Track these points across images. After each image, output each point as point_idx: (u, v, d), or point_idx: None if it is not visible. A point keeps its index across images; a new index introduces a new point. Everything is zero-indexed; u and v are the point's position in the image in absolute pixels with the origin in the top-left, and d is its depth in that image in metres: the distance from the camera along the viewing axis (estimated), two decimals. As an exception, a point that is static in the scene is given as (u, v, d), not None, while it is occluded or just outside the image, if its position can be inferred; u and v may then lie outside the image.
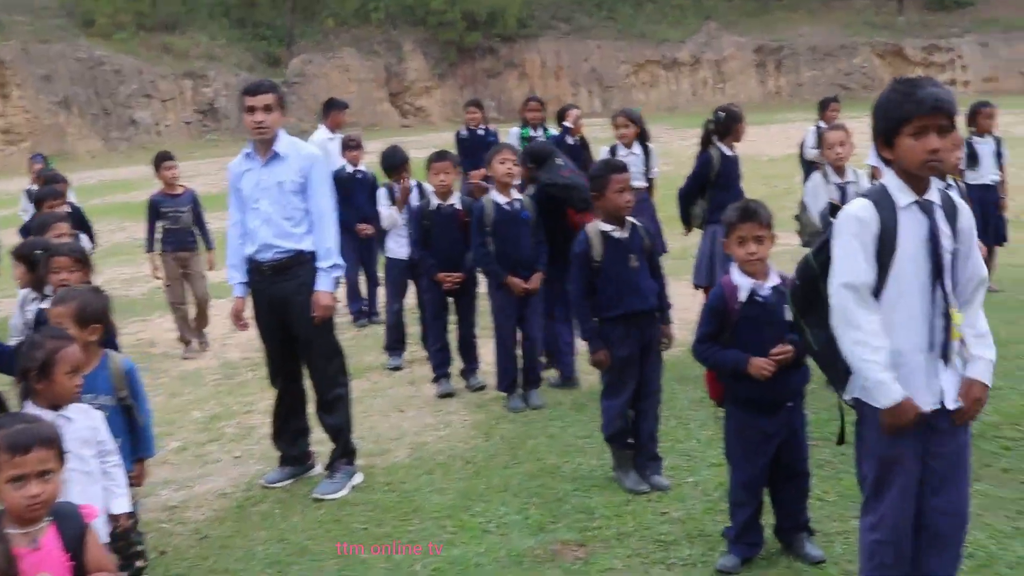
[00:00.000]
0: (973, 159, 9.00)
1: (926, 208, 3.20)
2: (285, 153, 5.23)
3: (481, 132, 11.29)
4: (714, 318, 4.12)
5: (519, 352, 6.59)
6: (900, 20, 39.53)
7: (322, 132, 10.24)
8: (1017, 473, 5.11)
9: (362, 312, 9.31)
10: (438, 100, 39.18)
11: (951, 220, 3.24)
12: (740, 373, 4.03)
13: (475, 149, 10.92)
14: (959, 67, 37.65)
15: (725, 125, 7.31)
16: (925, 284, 3.19)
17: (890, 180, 3.23)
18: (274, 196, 5.19)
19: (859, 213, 3.20)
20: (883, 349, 3.16)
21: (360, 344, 8.57)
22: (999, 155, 9.06)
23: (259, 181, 5.23)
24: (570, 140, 9.50)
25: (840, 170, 6.48)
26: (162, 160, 9.01)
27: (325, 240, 5.23)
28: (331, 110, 10.36)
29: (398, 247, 7.75)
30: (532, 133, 10.40)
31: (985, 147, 9.00)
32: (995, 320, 6.56)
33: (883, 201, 3.20)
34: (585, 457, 5.49)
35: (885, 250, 3.17)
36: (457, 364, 7.14)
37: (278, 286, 5.24)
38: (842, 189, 6.35)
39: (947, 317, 3.21)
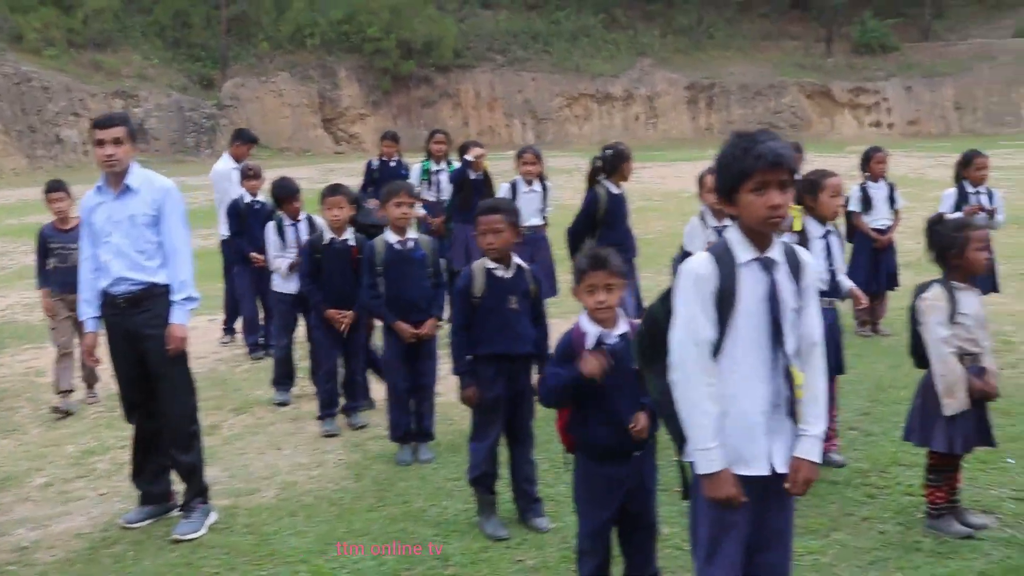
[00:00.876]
0: (867, 203, 9.16)
1: (767, 265, 3.16)
2: (137, 186, 5.15)
3: (393, 164, 11.24)
4: (562, 364, 4.11)
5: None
6: (828, 62, 40.35)
7: (225, 161, 10.13)
8: (876, 522, 5.15)
9: (258, 345, 9.18)
10: (372, 127, 38.99)
11: (794, 277, 3.21)
12: (581, 386, 3.97)
13: (385, 181, 10.87)
14: (884, 109, 38.52)
15: (612, 163, 7.33)
16: (765, 342, 3.15)
17: (732, 235, 3.19)
18: (126, 229, 5.12)
19: (698, 268, 3.16)
20: (712, 415, 3.12)
21: (253, 377, 8.46)
22: (892, 200, 9.22)
23: (111, 215, 5.15)
24: (472, 175, 9.49)
25: (719, 213, 6.44)
26: (50, 191, 7.95)
27: (179, 273, 5.17)
28: (236, 141, 10.23)
29: (285, 281, 7.66)
30: (434, 167, 10.39)
31: (878, 192, 9.16)
32: (880, 365, 6.62)
33: (724, 256, 3.15)
34: (452, 501, 5.44)
35: (724, 307, 3.12)
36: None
37: (132, 319, 5.15)
38: (720, 233, 6.37)
39: (790, 376, 3.18)
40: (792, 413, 3.19)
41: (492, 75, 39.72)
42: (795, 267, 3.22)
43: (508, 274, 5.07)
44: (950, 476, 5.03)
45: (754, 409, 3.15)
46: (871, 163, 9.19)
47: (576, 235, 7.41)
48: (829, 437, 5.94)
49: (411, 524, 5.14)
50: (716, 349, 3.14)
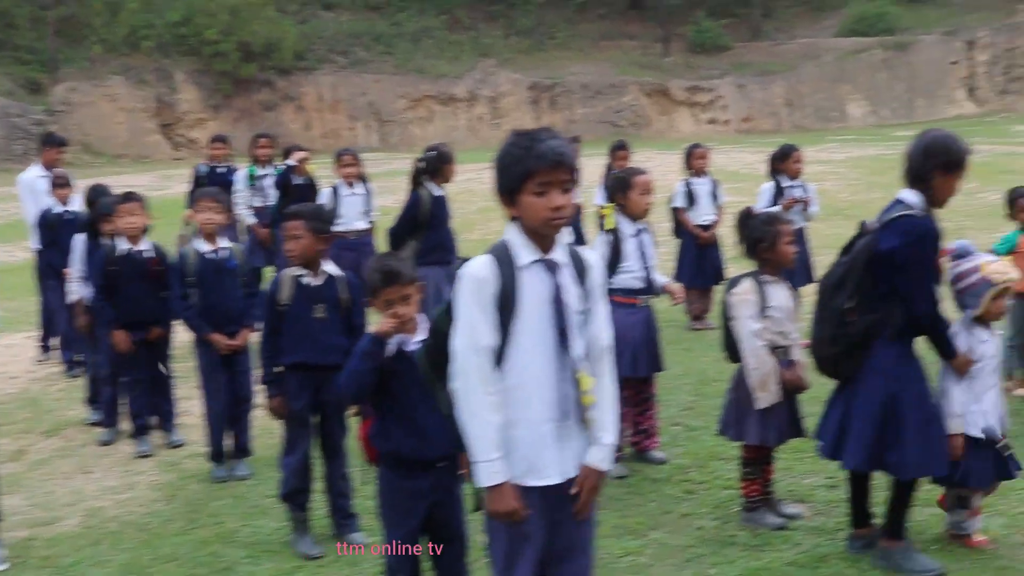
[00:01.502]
0: (691, 200, 9.32)
1: (550, 267, 3.06)
2: None
3: (222, 169, 10.89)
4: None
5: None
6: (666, 61, 41.27)
7: (34, 170, 9.64)
8: (694, 518, 5.22)
9: (74, 362, 8.76)
10: (212, 132, 37.45)
11: (580, 279, 3.12)
12: (383, 384, 3.86)
13: (215, 186, 10.54)
14: (720, 107, 39.60)
15: (435, 165, 7.28)
16: (550, 347, 3.05)
17: (513, 236, 3.09)
18: None
19: (477, 272, 3.03)
20: (494, 425, 3.01)
21: (68, 396, 8.08)
22: (715, 196, 9.42)
23: None
24: (296, 180, 9.28)
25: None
26: None
27: None
28: (45, 146, 9.73)
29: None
30: (260, 171, 10.14)
31: (702, 188, 9.34)
32: (706, 359, 6.63)
33: (504, 258, 3.04)
34: (267, 519, 5.28)
35: (506, 311, 3.02)
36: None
37: None
38: None
39: (577, 382, 3.09)
40: (583, 420, 3.11)
41: (334, 77, 39.18)
42: (580, 269, 3.14)
43: (316, 282, 4.94)
44: (765, 468, 5.12)
45: (542, 417, 3.06)
46: (692, 159, 9.37)
47: (397, 236, 7.34)
48: (651, 434, 5.99)
49: (222, 546, 4.96)
50: (500, 356, 3.04)
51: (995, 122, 35.68)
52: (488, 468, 3.02)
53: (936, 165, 4.24)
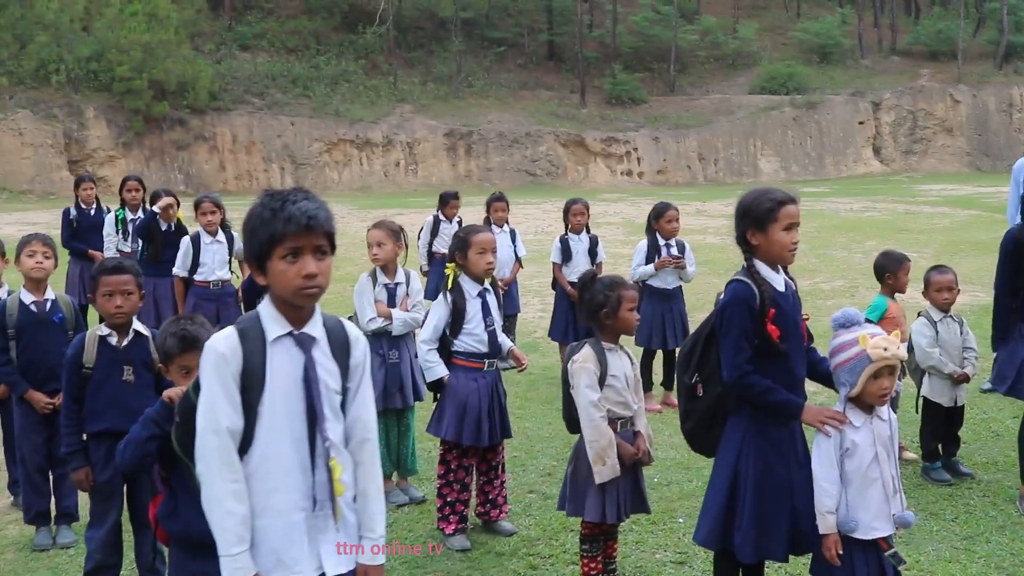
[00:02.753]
0: (567, 255, 9.24)
1: (302, 341, 2.81)
2: None
3: (92, 212, 10.57)
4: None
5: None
6: (582, 112, 41.72)
7: None
8: (533, 596, 5.05)
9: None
10: (122, 170, 37.03)
11: (341, 356, 2.89)
12: (162, 422, 3.59)
13: (84, 229, 10.28)
14: (635, 159, 40.11)
15: None
16: (300, 431, 2.79)
17: (264, 308, 2.85)
18: None
19: (219, 346, 2.77)
20: (237, 515, 2.75)
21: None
22: (593, 252, 9.33)
23: None
24: (163, 226, 9.03)
25: (388, 270, 6.18)
26: None
27: None
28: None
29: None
30: (130, 216, 9.88)
31: (579, 244, 9.24)
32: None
33: (251, 332, 2.79)
34: (82, 593, 4.98)
35: (251, 390, 2.76)
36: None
37: None
38: (390, 290, 6.19)
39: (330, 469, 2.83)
40: (334, 514, 2.86)
41: (250, 118, 38.83)
42: (340, 344, 2.90)
43: (122, 342, 4.66)
44: (607, 545, 4.92)
45: (291, 507, 2.81)
46: (570, 215, 9.27)
47: (249, 291, 7.10)
48: (498, 504, 5.81)
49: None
50: (245, 439, 2.79)
51: (900, 181, 36.70)
52: (231, 564, 2.75)
53: (747, 225, 3.96)
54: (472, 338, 5.48)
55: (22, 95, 36.47)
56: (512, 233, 9.92)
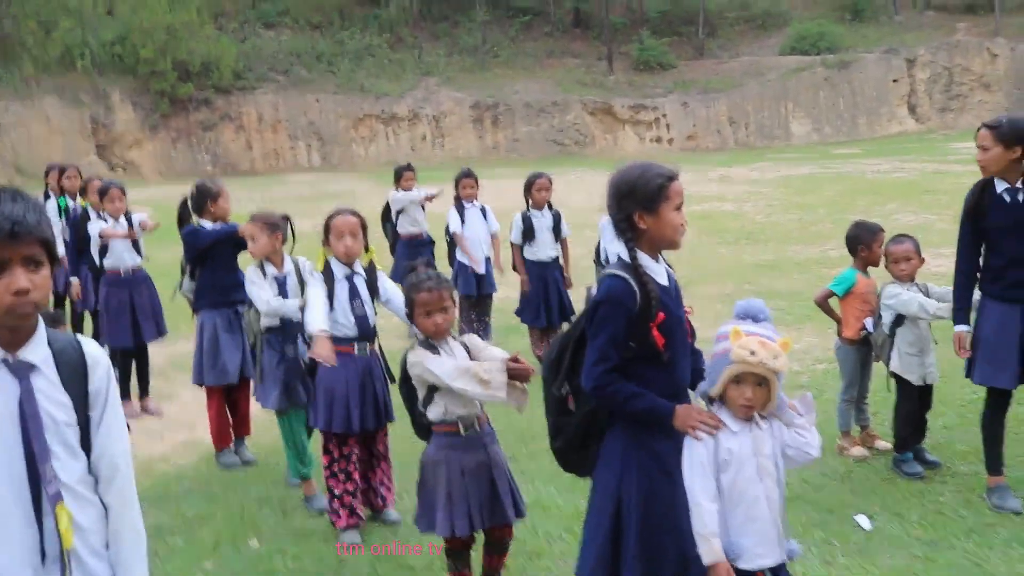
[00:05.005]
0: (529, 234, 8.85)
1: (17, 370, 2.36)
2: None
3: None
4: None
5: None
6: (610, 79, 41.16)
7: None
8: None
9: None
10: (150, 153, 37.48)
11: (75, 382, 2.44)
12: None
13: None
14: (664, 125, 39.51)
15: (197, 202, 6.74)
16: (20, 474, 2.34)
17: None
18: None
19: None
20: None
21: None
22: (557, 229, 8.96)
23: None
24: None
25: (274, 261, 5.94)
26: None
27: None
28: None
29: None
30: (71, 203, 9.69)
31: (541, 221, 8.86)
32: (539, 411, 5.63)
33: None
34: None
35: None
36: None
37: None
38: (280, 281, 5.96)
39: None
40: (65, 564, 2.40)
41: (275, 96, 38.76)
42: (73, 369, 2.45)
43: None
44: (490, 558, 4.58)
45: (16, 563, 2.35)
46: (532, 190, 8.86)
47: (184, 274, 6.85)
48: (379, 492, 5.56)
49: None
50: None
51: (935, 139, 35.80)
52: None
53: (633, 206, 3.37)
54: (340, 322, 5.28)
55: (48, 81, 36.62)
56: (483, 210, 9.58)
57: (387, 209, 10.40)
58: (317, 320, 5.15)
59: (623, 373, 3.36)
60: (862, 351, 6.14)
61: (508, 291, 10.16)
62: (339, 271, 5.36)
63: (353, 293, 5.33)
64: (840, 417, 6.32)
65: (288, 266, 5.97)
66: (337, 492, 5.33)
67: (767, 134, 39.38)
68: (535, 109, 39.42)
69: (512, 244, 8.93)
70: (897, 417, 5.88)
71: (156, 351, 8.60)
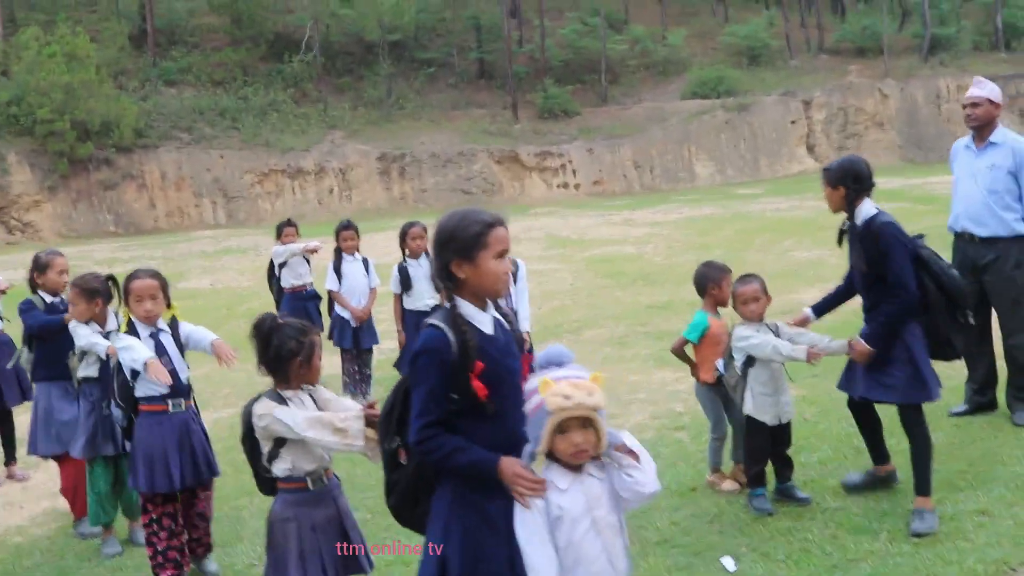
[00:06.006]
0: (407, 283, 8.82)
1: None
2: None
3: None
4: None
5: None
6: (515, 128, 41.51)
7: None
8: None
9: None
10: (49, 214, 36.65)
11: None
12: None
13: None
14: (570, 171, 39.91)
15: (30, 274, 6.68)
16: None
17: None
18: None
19: None
20: None
21: None
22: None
23: None
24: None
25: (98, 322, 5.89)
26: None
27: None
28: None
29: None
30: None
31: (418, 270, 8.82)
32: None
33: None
34: None
35: None
36: None
37: None
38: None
39: None
40: None
41: (178, 154, 38.24)
42: None
43: None
44: None
45: None
46: (408, 240, 8.88)
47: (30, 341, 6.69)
48: (204, 543, 5.55)
49: None
50: None
51: (833, 178, 36.66)
52: None
53: (451, 255, 3.27)
54: (150, 382, 5.19)
55: (-58, 144, 35.73)
56: (365, 262, 9.54)
57: (271, 265, 10.27)
58: (142, 350, 5.13)
59: (451, 427, 3.24)
60: (721, 390, 6.14)
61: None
62: (143, 331, 5.33)
63: (160, 350, 5.28)
64: (710, 455, 6.31)
65: (112, 325, 5.90)
66: (160, 548, 5.28)
67: (672, 177, 40.00)
68: (442, 160, 39.53)
69: (395, 294, 8.90)
70: (746, 455, 5.88)
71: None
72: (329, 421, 4.02)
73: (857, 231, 5.49)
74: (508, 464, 3.16)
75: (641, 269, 17.05)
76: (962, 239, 7.23)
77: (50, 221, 36.46)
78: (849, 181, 5.50)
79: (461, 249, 3.27)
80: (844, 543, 5.19)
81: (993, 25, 45.46)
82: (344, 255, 9.42)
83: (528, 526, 3.12)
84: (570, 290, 15.45)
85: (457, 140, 40.44)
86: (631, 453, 3.18)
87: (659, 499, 5.99)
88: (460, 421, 3.25)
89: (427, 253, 8.82)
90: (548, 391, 3.06)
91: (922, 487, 5.41)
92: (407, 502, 3.47)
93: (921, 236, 5.64)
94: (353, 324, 9.25)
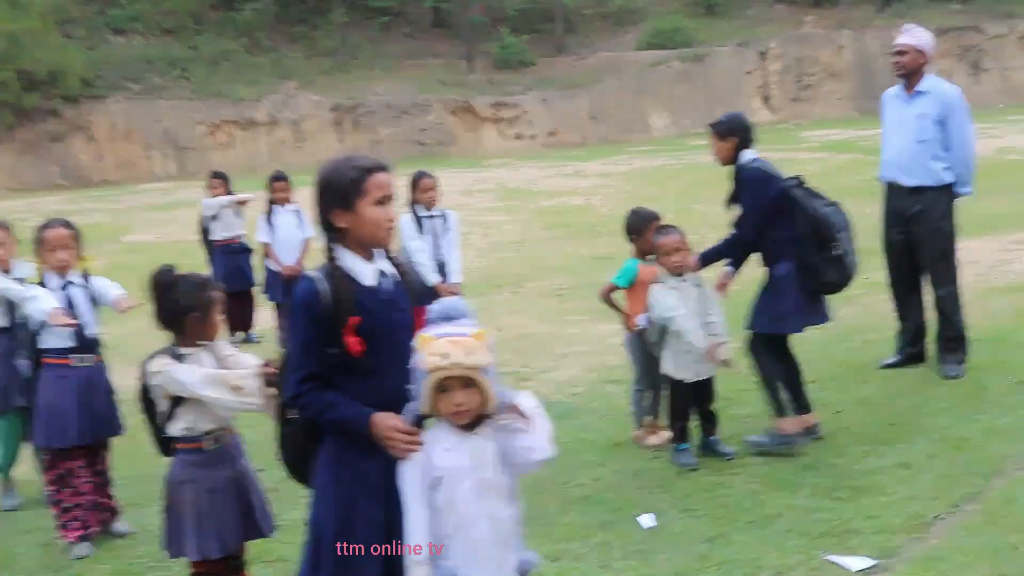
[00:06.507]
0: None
1: None
2: None
3: None
4: None
5: None
6: (470, 78, 41.10)
7: None
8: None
9: None
10: (-6, 165, 35.93)
11: None
12: None
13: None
14: (526, 122, 39.59)
15: None
16: None
17: None
18: None
19: None
20: None
21: None
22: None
23: None
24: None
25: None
26: None
27: None
28: None
29: None
30: None
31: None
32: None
33: None
34: None
35: None
36: None
37: None
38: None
39: None
40: None
41: (127, 104, 37.49)
42: None
43: None
44: None
45: None
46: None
47: None
48: (109, 506, 5.39)
49: None
50: None
51: (788, 129, 36.75)
52: None
53: (330, 204, 3.14)
54: (56, 333, 5.13)
55: None
56: (297, 212, 9.35)
57: (201, 218, 10.09)
58: (48, 300, 5.04)
59: (330, 383, 3.14)
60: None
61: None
62: (53, 283, 5.22)
63: (69, 304, 5.16)
64: (634, 407, 6.24)
65: (19, 273, 5.65)
66: (65, 505, 5.17)
67: (627, 128, 39.80)
68: (396, 110, 39.06)
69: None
70: (669, 409, 5.85)
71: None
72: (226, 379, 3.92)
73: (737, 176, 6.02)
74: (382, 419, 3.05)
75: (587, 220, 16.98)
76: (891, 189, 7.21)
77: (-3, 173, 35.77)
78: (739, 132, 6.01)
79: (338, 197, 3.14)
80: (764, 498, 5.19)
81: (948, -25, 45.47)
82: (275, 206, 9.26)
83: (407, 480, 3.02)
84: (515, 242, 15.38)
85: (412, 90, 39.95)
86: (523, 416, 3.09)
87: (584, 454, 5.99)
88: (339, 377, 3.13)
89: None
90: (426, 348, 2.94)
91: (775, 410, 5.95)
92: (297, 457, 3.34)
93: (796, 177, 6.01)
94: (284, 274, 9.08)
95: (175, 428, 4.08)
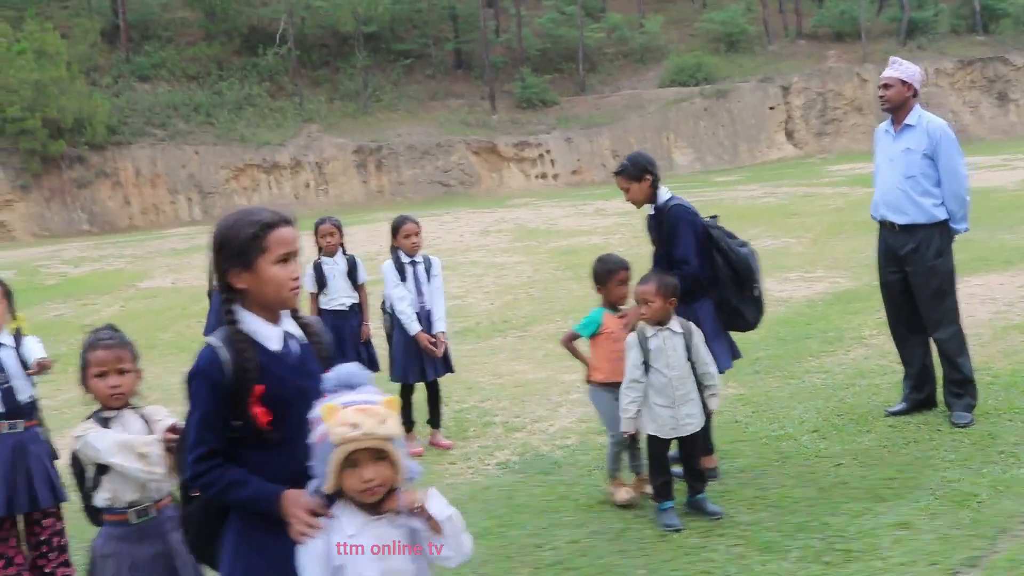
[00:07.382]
0: (322, 282, 8.23)
1: None
2: None
3: None
4: None
5: None
6: (493, 118, 41.14)
7: None
8: None
9: None
10: (22, 214, 36.26)
11: None
12: None
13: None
14: (548, 161, 39.56)
15: None
16: None
17: None
18: None
19: None
20: None
21: None
22: (353, 276, 8.30)
23: None
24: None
25: None
26: None
27: None
28: None
29: None
30: None
31: (333, 268, 8.23)
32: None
33: None
34: None
35: None
36: None
37: None
38: None
39: None
40: None
41: (152, 150, 37.86)
42: None
43: None
44: None
45: None
46: (319, 237, 8.25)
47: None
48: None
49: None
50: None
51: (813, 163, 36.45)
52: None
53: (227, 263, 2.90)
54: None
55: (-89, 145, 35.30)
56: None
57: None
58: None
59: (234, 457, 2.88)
60: (616, 391, 5.66)
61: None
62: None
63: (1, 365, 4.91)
64: (608, 461, 5.90)
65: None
66: None
67: (651, 166, 39.60)
68: (419, 151, 39.16)
69: (310, 294, 8.26)
70: (649, 465, 5.53)
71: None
72: (133, 446, 3.67)
73: (656, 216, 6.01)
74: (292, 497, 2.79)
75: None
76: (883, 227, 6.89)
77: (23, 221, 36.06)
78: (651, 171, 5.96)
79: (236, 256, 2.88)
80: (750, 563, 4.86)
81: (971, 8, 45.13)
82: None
83: (308, 564, 2.72)
84: (527, 283, 15.11)
85: (434, 131, 40.06)
86: (431, 519, 2.76)
87: (562, 514, 5.69)
88: (243, 451, 2.88)
89: (343, 250, 8.26)
90: (333, 419, 2.64)
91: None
92: (202, 538, 3.06)
93: (715, 217, 6.03)
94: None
95: (99, 498, 3.82)
